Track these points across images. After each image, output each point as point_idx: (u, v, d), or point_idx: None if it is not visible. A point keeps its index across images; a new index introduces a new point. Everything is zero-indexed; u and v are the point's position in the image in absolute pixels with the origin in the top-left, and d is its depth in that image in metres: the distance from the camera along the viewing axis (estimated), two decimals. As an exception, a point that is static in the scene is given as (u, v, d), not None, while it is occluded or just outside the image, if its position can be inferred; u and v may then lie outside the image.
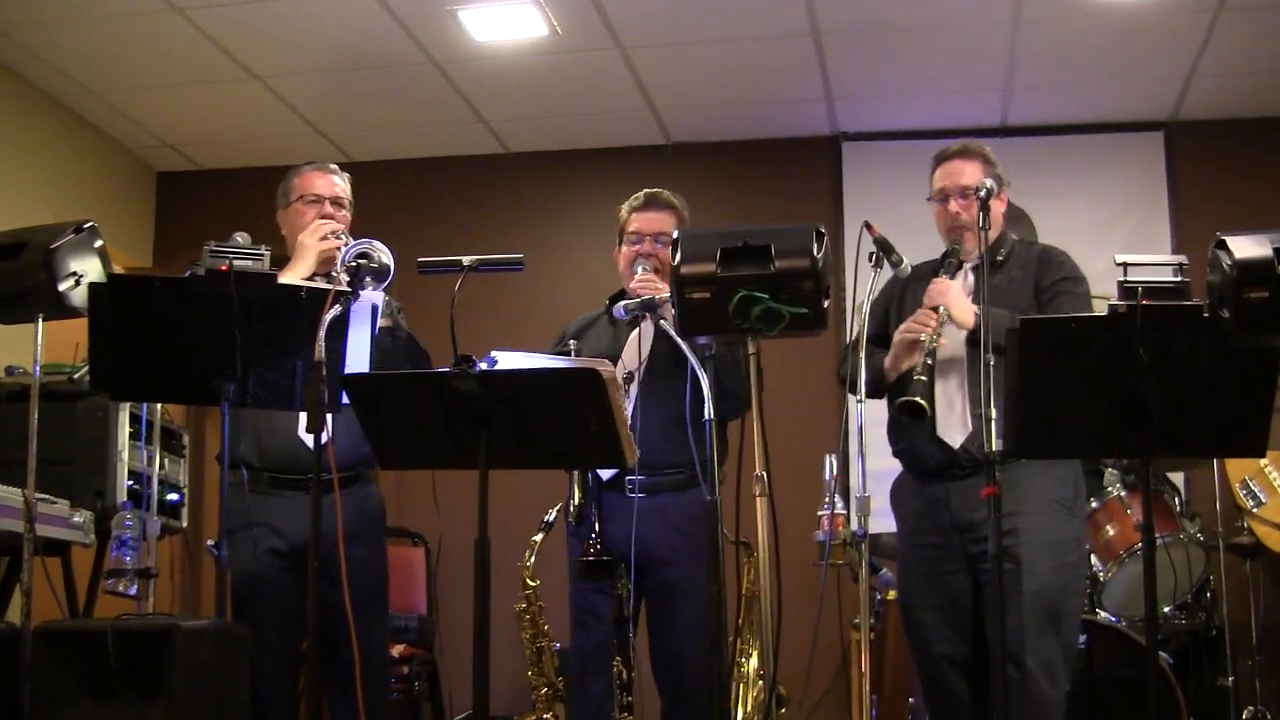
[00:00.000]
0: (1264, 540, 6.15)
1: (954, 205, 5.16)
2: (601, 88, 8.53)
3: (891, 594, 6.79)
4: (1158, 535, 6.54)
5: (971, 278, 5.17)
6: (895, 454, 5.28)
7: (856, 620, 7.33)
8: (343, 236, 5.18)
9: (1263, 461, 6.01)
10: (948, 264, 5.14)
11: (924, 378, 4.83)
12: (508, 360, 4.30)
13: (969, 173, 5.19)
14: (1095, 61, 8.13)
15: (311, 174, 5.45)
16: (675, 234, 4.29)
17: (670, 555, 5.21)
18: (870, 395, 5.23)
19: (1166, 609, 6.63)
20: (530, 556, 5.09)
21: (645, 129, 9.20)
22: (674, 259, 4.22)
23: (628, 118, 9.01)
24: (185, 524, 6.92)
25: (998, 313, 4.84)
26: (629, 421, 4.21)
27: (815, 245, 4.15)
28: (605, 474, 5.24)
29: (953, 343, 5.02)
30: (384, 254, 4.79)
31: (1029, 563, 4.83)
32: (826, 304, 4.17)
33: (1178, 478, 7.75)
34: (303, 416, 5.05)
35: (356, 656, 4.40)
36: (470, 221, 9.37)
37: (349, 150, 9.25)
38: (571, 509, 5.20)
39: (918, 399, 4.74)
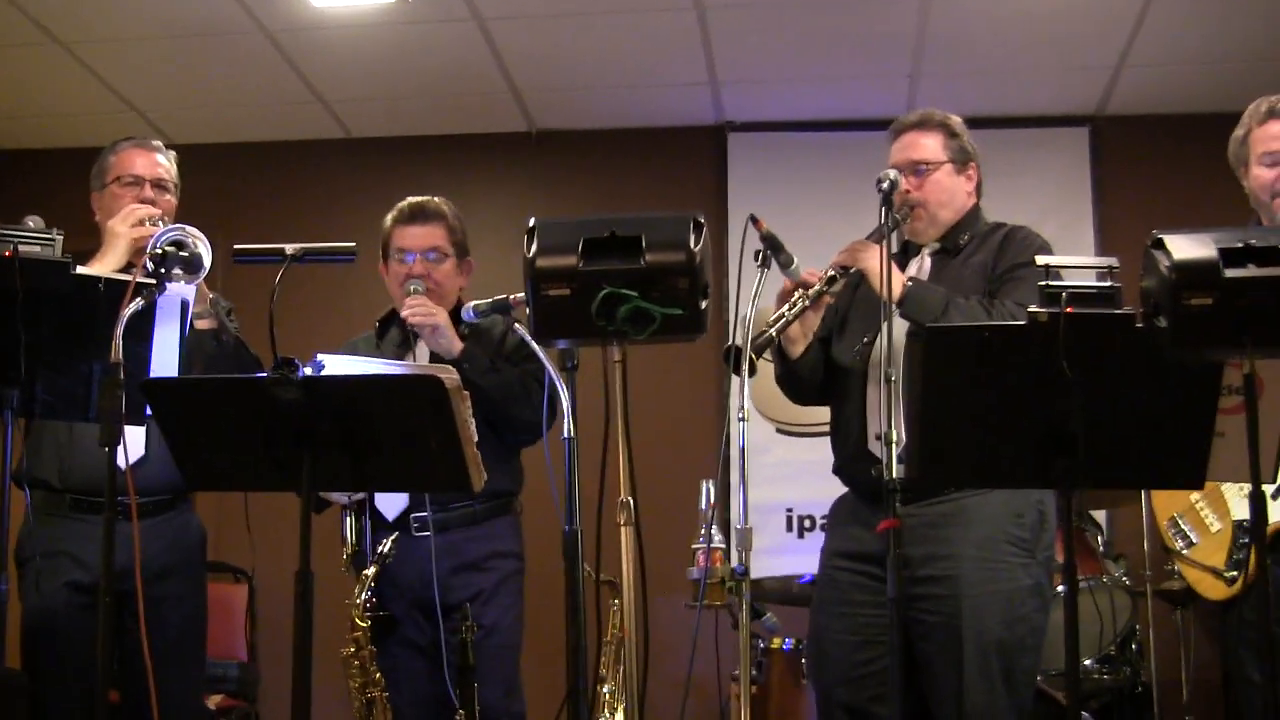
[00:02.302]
0: (1195, 586, 6.08)
1: (905, 183, 5.06)
2: (456, 65, 8.40)
3: (776, 641, 6.71)
4: (1079, 579, 6.49)
5: (929, 263, 5.11)
6: (834, 471, 5.18)
7: (736, 671, 7.29)
8: (160, 223, 5.03)
9: (1194, 497, 5.94)
10: (876, 230, 4.95)
11: (771, 332, 4.78)
12: (336, 365, 4.15)
13: (925, 146, 5.15)
14: (1017, 47, 8.15)
15: (130, 152, 5.36)
16: (531, 221, 4.16)
17: (470, 596, 5.22)
18: (799, 393, 5.24)
19: (1088, 661, 6.59)
20: (361, 593, 4.95)
21: (505, 114, 9.10)
22: (529, 249, 4.10)
23: (486, 101, 8.90)
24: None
25: (930, 288, 4.82)
26: (476, 439, 4.07)
27: (693, 237, 4.02)
28: (390, 512, 5.25)
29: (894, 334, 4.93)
30: (199, 242, 4.65)
31: (973, 616, 4.70)
32: (705, 305, 4.05)
33: (1100, 513, 7.72)
34: None
35: (155, 713, 4.24)
36: (306, 214, 9.22)
37: (167, 131, 8.97)
38: (345, 556, 5.20)
39: (738, 344, 4.61)
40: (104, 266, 4.85)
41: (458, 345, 5.26)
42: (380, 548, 4.96)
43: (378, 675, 4.95)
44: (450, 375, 3.94)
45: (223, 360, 5.04)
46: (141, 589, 4.22)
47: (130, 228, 5.02)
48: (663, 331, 3.99)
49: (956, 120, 5.25)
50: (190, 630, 5.16)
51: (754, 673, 7.04)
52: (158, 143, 5.43)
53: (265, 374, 3.89)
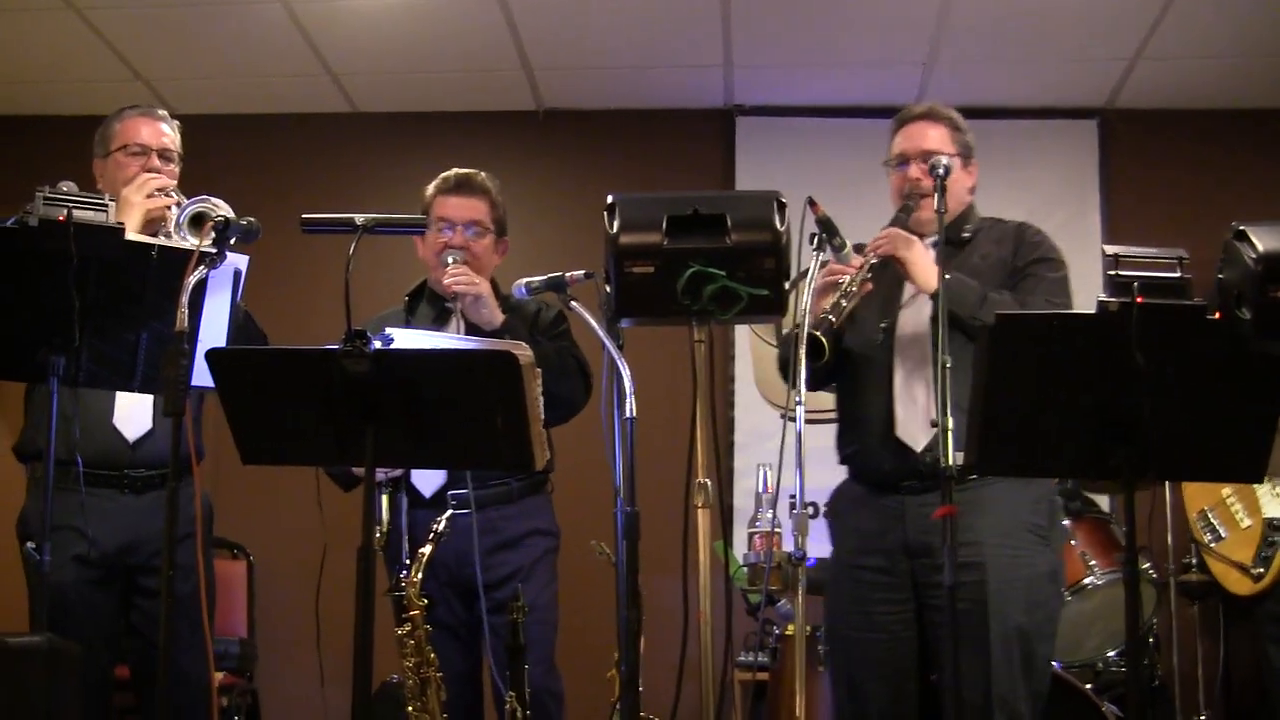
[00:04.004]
0: (1221, 580, 6.07)
1: (914, 170, 5.09)
2: (470, 40, 8.29)
3: (790, 628, 6.64)
4: (1101, 571, 6.47)
5: (932, 254, 5.02)
6: (843, 460, 5.15)
7: (741, 656, 7.25)
8: (173, 194, 5.00)
9: (1225, 491, 5.95)
10: (898, 218, 5.04)
11: (832, 317, 4.74)
12: (404, 339, 4.09)
13: (934, 137, 5.14)
14: (1033, 36, 8.10)
15: (136, 120, 5.31)
16: (610, 197, 4.11)
17: (507, 575, 5.20)
18: (815, 384, 5.12)
19: (1111, 653, 6.55)
20: (417, 572, 4.87)
21: (515, 92, 8.99)
22: (611, 225, 4.04)
23: (495, 78, 8.79)
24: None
25: (965, 282, 4.77)
26: (542, 417, 4.01)
27: (777, 216, 3.98)
28: (427, 489, 5.20)
29: (914, 321, 4.95)
30: (226, 212, 4.60)
31: (997, 602, 4.69)
32: (788, 285, 4.02)
33: (1103, 499, 7.68)
34: (118, 405, 5.00)
35: (213, 682, 4.17)
36: (307, 190, 9.01)
37: (169, 99, 8.77)
38: (380, 534, 5.08)
39: (816, 332, 4.59)
40: None
41: (499, 317, 5.20)
42: (435, 525, 4.87)
43: (432, 655, 4.87)
44: (524, 351, 3.87)
45: (233, 334, 4.92)
46: (203, 561, 4.20)
47: (145, 198, 4.96)
48: (747, 312, 3.96)
49: (959, 116, 5.26)
50: (198, 603, 5.09)
51: (766, 660, 7.00)
52: (163, 112, 5.39)
53: (336, 346, 3.81)
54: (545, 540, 5.37)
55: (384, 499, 5.12)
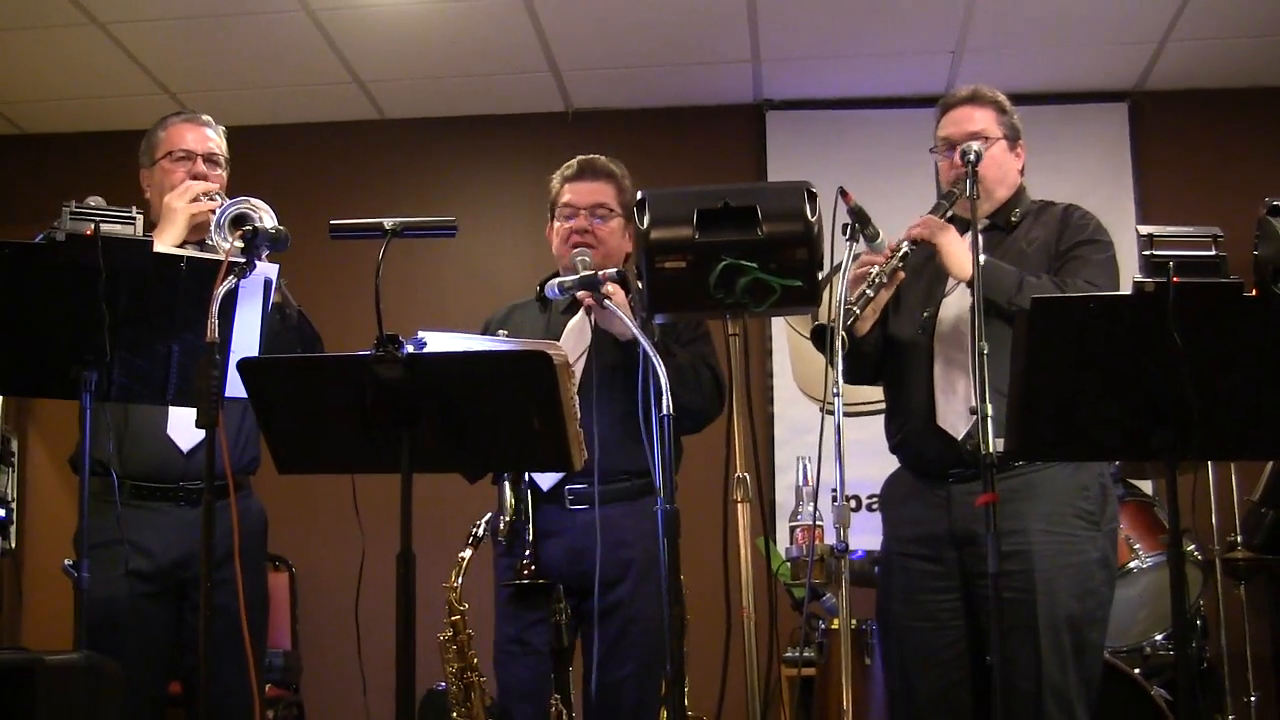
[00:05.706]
0: None
1: (959, 157, 4.94)
2: (497, 43, 8.27)
3: (835, 622, 6.59)
4: (1146, 554, 6.43)
5: (981, 240, 4.97)
6: (892, 449, 5.11)
7: (787, 652, 7.20)
8: (218, 198, 4.94)
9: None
10: (939, 204, 4.96)
11: (856, 309, 4.67)
12: (438, 342, 4.05)
13: (979, 120, 5.06)
14: (1061, 21, 8.06)
15: (180, 126, 5.25)
16: (639, 194, 4.08)
17: (620, 574, 5.02)
18: (854, 378, 5.07)
19: (1158, 636, 6.53)
20: (457, 577, 4.82)
21: (543, 94, 8.98)
22: (641, 221, 4.01)
23: (525, 80, 8.78)
24: (14, 544, 6.60)
25: (1002, 268, 4.70)
26: (578, 417, 3.95)
27: (808, 207, 3.95)
28: (545, 483, 5.05)
29: (955, 309, 4.89)
30: (267, 214, 4.63)
31: (1046, 590, 4.64)
32: (821, 276, 3.98)
33: (1145, 484, 7.64)
34: (172, 414, 4.89)
35: (257, 696, 4.13)
36: (338, 197, 9.04)
37: (197, 111, 8.73)
38: (502, 525, 4.98)
39: (823, 323, 4.51)
40: (162, 243, 4.73)
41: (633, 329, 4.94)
42: (474, 530, 4.81)
43: (475, 660, 4.82)
44: (558, 351, 3.83)
45: (286, 334, 4.94)
46: (241, 575, 4.19)
47: (188, 203, 4.92)
48: (781, 303, 3.93)
49: (1004, 98, 5.19)
50: (254, 619, 5.04)
51: (812, 654, 6.96)
52: (207, 117, 5.33)
53: (369, 352, 3.78)
54: (657, 545, 5.14)
55: (506, 488, 5.02)
